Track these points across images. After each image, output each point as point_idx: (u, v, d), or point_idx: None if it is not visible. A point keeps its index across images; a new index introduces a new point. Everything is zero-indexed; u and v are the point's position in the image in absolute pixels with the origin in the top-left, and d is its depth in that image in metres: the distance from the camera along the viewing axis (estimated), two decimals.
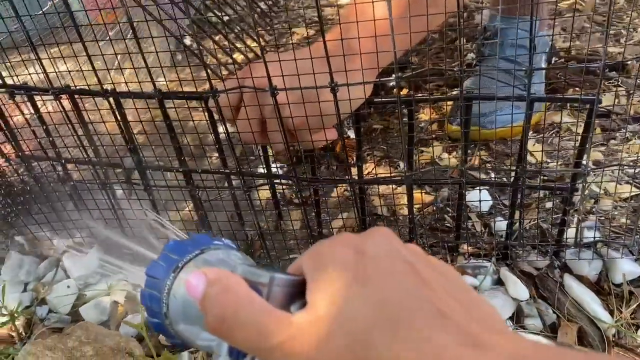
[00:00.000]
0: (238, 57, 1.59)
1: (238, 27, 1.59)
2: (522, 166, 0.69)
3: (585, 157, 0.68)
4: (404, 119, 0.84)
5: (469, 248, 0.86)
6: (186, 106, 0.76)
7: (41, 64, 0.72)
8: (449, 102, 1.24)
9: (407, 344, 0.24)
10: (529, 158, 1.01)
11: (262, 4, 1.91)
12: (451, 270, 0.31)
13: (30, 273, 0.94)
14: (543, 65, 1.10)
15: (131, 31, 0.65)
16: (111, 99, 0.74)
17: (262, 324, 0.27)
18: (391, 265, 0.27)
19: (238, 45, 1.54)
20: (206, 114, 0.75)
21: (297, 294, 0.30)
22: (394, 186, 0.88)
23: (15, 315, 0.82)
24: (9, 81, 0.76)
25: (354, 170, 0.78)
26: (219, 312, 0.28)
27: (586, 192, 0.71)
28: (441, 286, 0.27)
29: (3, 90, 0.78)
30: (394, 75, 0.62)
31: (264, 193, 1.01)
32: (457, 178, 0.74)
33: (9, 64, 0.76)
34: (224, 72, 1.43)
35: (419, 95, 1.30)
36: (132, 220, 0.86)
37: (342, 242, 0.30)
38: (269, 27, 1.81)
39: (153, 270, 0.34)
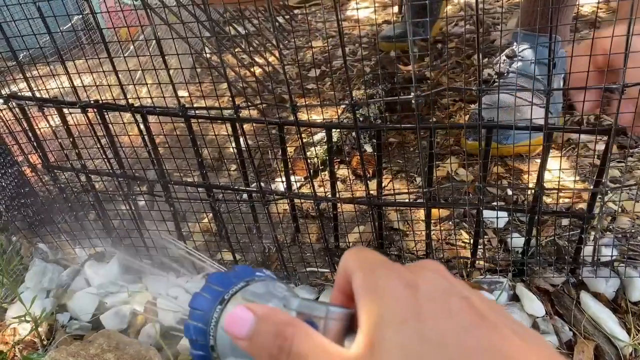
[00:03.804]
0: (256, 70, 1.62)
1: (256, 42, 1.62)
2: (540, 186, 0.70)
3: (604, 176, 0.68)
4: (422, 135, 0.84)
5: (485, 264, 0.86)
6: (208, 121, 0.78)
7: (70, 78, 0.75)
8: (466, 114, 1.25)
9: None
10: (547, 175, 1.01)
11: (279, 19, 1.94)
12: (499, 305, 0.31)
13: (53, 280, 0.96)
14: (562, 84, 1.11)
15: (149, 45, 0.67)
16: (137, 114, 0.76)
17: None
18: (446, 302, 0.27)
19: (257, 59, 1.56)
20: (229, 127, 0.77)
21: (350, 327, 0.29)
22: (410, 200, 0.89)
23: (39, 322, 0.84)
24: (26, 93, 0.79)
25: (371, 184, 0.79)
26: (278, 344, 0.29)
27: (604, 210, 0.72)
28: (497, 319, 0.27)
29: (33, 103, 0.81)
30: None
31: (282, 205, 1.02)
32: (475, 198, 0.75)
33: (31, 76, 0.79)
34: (240, 85, 1.45)
35: (436, 108, 1.32)
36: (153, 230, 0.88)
37: (393, 275, 0.29)
38: (287, 41, 1.83)
39: (197, 302, 0.33)
